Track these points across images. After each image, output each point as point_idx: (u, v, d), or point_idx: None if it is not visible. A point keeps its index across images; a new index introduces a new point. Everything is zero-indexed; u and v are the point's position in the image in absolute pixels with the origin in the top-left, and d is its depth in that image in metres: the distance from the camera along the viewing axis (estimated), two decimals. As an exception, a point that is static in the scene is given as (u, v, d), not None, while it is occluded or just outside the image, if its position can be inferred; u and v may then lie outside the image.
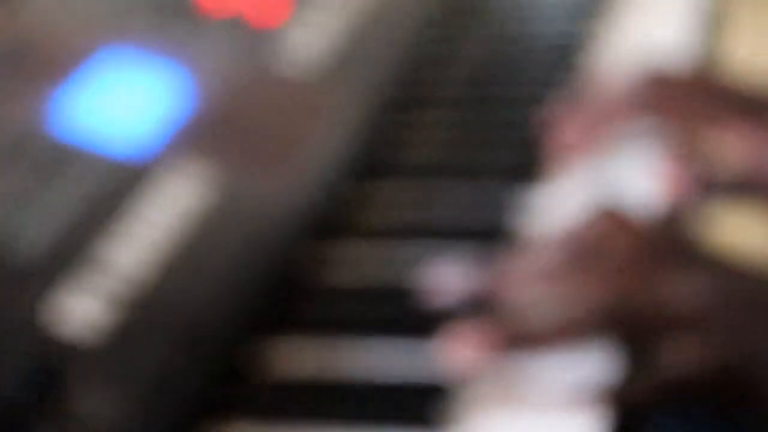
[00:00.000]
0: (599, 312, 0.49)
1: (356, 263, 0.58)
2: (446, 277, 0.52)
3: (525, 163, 0.61)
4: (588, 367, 0.49)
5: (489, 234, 0.56)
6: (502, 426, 0.47)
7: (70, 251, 0.49)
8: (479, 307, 0.50)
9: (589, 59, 0.72)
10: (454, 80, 0.73)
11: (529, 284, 0.51)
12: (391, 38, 0.75)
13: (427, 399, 0.48)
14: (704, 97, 0.62)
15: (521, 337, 0.49)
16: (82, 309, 0.46)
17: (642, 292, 0.50)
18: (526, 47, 0.78)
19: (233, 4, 0.63)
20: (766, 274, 0.53)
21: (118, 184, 0.53)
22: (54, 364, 0.44)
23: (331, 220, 0.60)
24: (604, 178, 0.60)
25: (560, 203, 0.59)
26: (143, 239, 0.51)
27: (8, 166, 0.51)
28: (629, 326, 0.49)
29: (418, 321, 0.51)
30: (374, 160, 0.65)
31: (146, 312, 0.49)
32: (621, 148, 0.63)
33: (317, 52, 0.68)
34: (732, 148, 0.61)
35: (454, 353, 0.49)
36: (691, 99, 0.62)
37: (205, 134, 0.57)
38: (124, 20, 0.63)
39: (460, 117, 0.69)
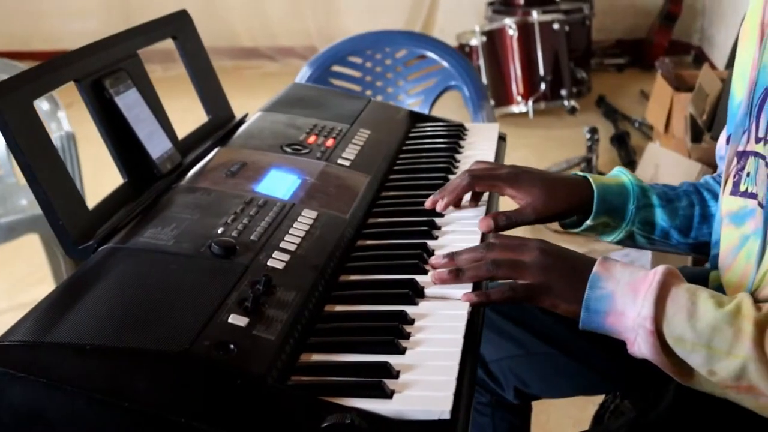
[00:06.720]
0: (492, 267, 0.83)
1: (374, 241, 0.99)
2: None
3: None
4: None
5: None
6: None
7: (266, 235, 0.90)
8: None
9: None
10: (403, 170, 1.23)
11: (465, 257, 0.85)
12: (380, 151, 1.24)
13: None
14: (489, 178, 0.98)
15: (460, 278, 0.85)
16: (275, 259, 0.86)
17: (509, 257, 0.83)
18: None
19: (319, 140, 1.14)
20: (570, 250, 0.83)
21: (282, 212, 0.97)
22: (267, 279, 0.78)
23: (360, 228, 1.03)
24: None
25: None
26: (297, 232, 0.93)
27: (240, 207, 0.96)
28: (505, 273, 0.82)
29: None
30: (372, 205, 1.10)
31: (298, 259, 0.87)
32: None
33: (349, 158, 1.18)
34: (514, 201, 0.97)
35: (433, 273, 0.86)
36: (483, 179, 0.99)
37: (311, 192, 1.03)
38: (282, 150, 1.12)
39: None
